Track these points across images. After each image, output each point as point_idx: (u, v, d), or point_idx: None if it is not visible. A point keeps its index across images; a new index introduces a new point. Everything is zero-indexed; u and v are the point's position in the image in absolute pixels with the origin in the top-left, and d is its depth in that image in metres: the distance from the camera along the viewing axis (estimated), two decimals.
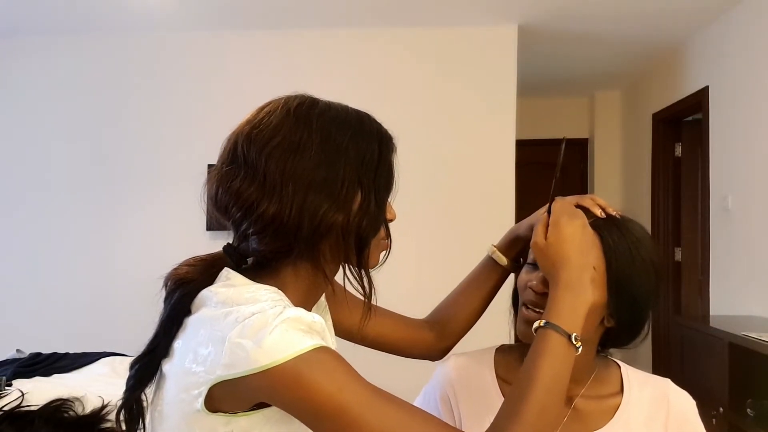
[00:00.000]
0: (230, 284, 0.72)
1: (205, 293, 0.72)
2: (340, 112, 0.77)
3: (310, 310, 0.81)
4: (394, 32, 3.52)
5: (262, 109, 0.77)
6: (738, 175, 3.08)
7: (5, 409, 1.77)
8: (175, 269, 0.76)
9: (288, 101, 0.77)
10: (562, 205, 0.85)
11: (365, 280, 0.77)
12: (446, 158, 3.49)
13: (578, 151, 5.12)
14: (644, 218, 4.13)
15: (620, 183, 4.82)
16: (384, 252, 0.83)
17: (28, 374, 2.30)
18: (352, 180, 0.73)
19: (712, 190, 3.32)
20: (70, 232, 3.63)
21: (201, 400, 0.66)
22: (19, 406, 1.80)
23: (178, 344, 0.71)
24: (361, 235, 0.75)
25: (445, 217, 3.48)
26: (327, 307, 0.92)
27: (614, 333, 0.89)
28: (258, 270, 0.76)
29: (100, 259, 3.59)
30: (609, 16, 3.27)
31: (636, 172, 4.47)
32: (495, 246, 1.01)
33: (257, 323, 0.64)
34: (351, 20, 3.42)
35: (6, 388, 2.00)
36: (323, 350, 0.65)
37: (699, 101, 3.47)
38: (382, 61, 3.54)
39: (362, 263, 0.76)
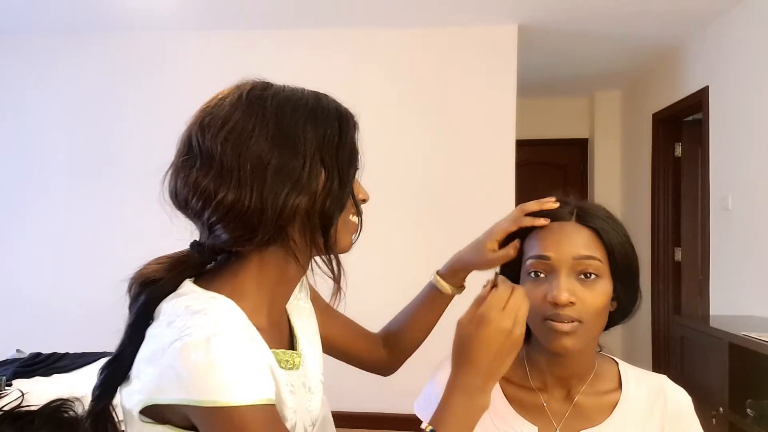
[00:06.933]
0: (181, 293, 0.70)
1: (162, 305, 0.70)
2: (296, 92, 0.75)
3: (285, 301, 0.81)
4: (394, 32, 3.52)
5: (216, 96, 0.75)
6: (738, 175, 3.08)
7: (5, 409, 1.77)
8: (140, 269, 0.74)
9: (241, 86, 0.75)
10: (501, 295, 0.74)
11: (334, 261, 0.75)
12: (446, 158, 3.49)
13: (578, 151, 5.13)
14: (644, 218, 4.13)
15: (620, 183, 4.82)
16: (355, 234, 0.80)
17: (28, 374, 2.30)
18: (313, 160, 0.71)
19: (712, 190, 3.32)
20: (71, 232, 3.63)
21: (137, 415, 0.65)
22: (19, 406, 1.80)
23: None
24: (326, 214, 0.72)
25: (444, 216, 3.48)
26: (307, 287, 0.93)
27: (617, 313, 0.90)
28: (219, 271, 0.74)
29: (100, 260, 3.59)
30: (609, 16, 3.27)
31: (636, 172, 4.47)
32: (439, 274, 1.02)
33: (191, 351, 0.61)
34: (351, 20, 3.42)
35: (6, 388, 2.00)
36: (256, 409, 0.62)
37: (699, 101, 3.47)
38: (383, 61, 3.54)
39: (329, 243, 0.73)
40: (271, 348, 0.72)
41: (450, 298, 1.02)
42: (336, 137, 0.73)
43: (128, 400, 0.67)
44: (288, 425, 0.72)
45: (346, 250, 0.79)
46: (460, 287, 1.02)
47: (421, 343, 1.05)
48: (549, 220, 0.88)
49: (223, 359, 0.61)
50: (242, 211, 0.68)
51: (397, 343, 1.03)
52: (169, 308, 0.68)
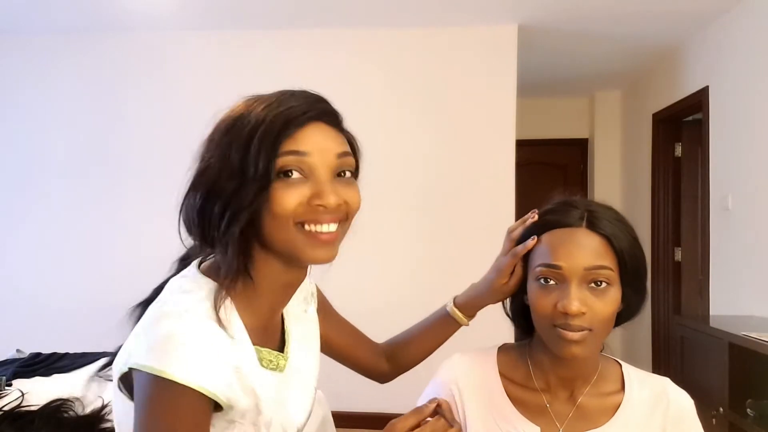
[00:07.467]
0: (184, 274, 0.76)
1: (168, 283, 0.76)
2: (236, 114, 0.73)
3: (280, 303, 0.81)
4: (394, 32, 3.52)
5: None
6: (738, 175, 3.08)
7: (5, 409, 1.78)
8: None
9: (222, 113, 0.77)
10: (439, 427, 0.83)
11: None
12: (446, 158, 3.49)
13: (578, 151, 5.13)
14: (644, 218, 4.13)
15: (620, 183, 4.82)
16: (327, 247, 0.73)
17: (28, 374, 2.30)
18: (230, 178, 0.70)
19: (712, 190, 3.32)
20: (71, 232, 3.63)
21: (117, 383, 0.69)
22: (19, 406, 1.80)
23: None
24: (256, 226, 0.71)
25: (445, 216, 3.48)
26: (316, 297, 0.95)
27: (623, 313, 0.90)
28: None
29: (100, 260, 3.58)
30: (609, 16, 3.27)
31: (636, 172, 4.47)
32: (456, 305, 1.05)
33: (163, 320, 0.66)
34: (351, 20, 3.42)
35: (6, 388, 2.00)
36: (188, 392, 0.64)
37: (699, 101, 3.47)
38: (383, 61, 3.54)
39: (282, 252, 0.73)
40: (255, 344, 0.74)
41: (460, 327, 1.07)
42: (236, 163, 0.70)
43: (115, 367, 0.70)
44: (263, 420, 0.74)
45: (321, 261, 0.74)
46: (471, 317, 1.07)
47: (420, 362, 1.09)
48: (536, 238, 0.90)
49: (184, 335, 0.65)
50: (195, 225, 0.74)
51: (400, 358, 1.09)
52: (168, 285, 0.74)
